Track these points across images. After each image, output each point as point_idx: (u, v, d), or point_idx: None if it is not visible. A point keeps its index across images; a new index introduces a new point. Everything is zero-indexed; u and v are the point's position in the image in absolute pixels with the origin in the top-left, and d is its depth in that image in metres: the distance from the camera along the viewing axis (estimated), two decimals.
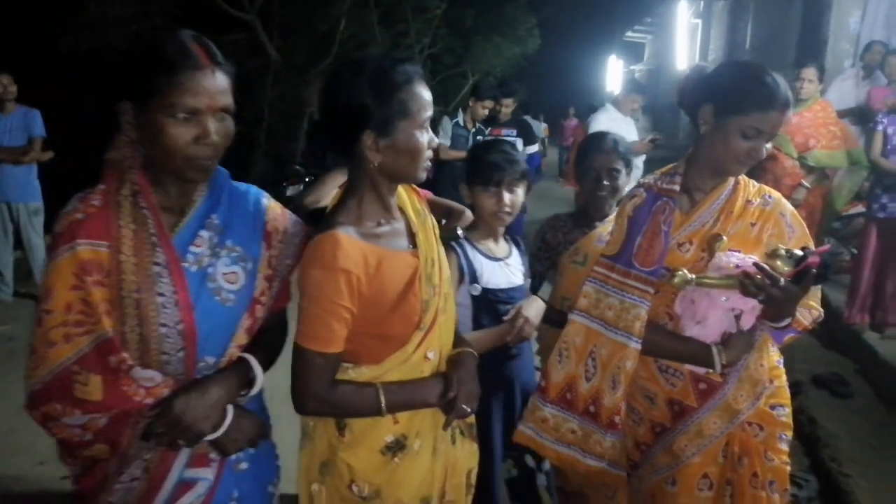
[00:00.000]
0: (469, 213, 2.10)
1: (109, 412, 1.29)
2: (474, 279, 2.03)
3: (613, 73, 23.13)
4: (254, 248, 1.45)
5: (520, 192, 2.10)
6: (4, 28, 8.10)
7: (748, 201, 1.74)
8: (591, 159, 2.37)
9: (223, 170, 1.46)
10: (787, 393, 1.84)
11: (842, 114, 5.05)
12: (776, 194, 1.78)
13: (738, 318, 1.70)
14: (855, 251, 4.80)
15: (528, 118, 11.89)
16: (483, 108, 5.58)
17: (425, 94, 1.42)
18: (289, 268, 1.51)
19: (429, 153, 1.45)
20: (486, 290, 2.05)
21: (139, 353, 1.31)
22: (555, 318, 2.28)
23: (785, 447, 1.80)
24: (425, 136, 1.43)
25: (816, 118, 4.60)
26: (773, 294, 1.56)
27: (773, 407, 1.79)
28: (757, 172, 4.60)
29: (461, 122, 5.71)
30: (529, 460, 2.21)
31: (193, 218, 1.39)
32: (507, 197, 2.06)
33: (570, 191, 7.90)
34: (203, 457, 1.41)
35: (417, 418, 1.51)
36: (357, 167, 1.46)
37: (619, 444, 1.83)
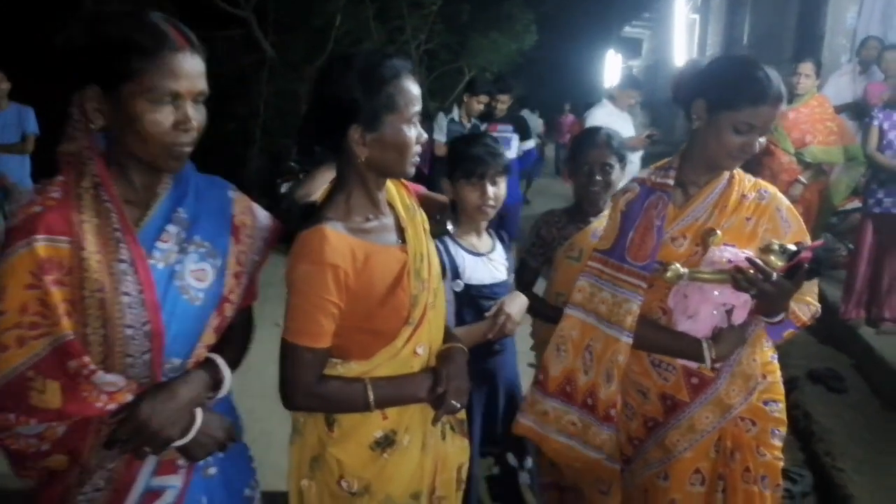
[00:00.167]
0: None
1: (68, 420, 1.22)
2: (456, 275, 2.02)
3: (611, 69, 23.10)
4: (222, 243, 1.38)
5: (503, 185, 2.09)
6: (3, 27, 8.08)
7: (743, 196, 1.74)
8: (584, 154, 2.37)
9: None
10: (780, 388, 1.83)
11: (839, 109, 5.05)
12: (772, 189, 1.78)
13: (729, 312, 1.69)
14: (851, 247, 4.80)
15: (526, 111, 11.94)
16: (478, 104, 5.57)
17: (413, 89, 1.41)
18: (256, 264, 1.46)
19: (417, 148, 1.44)
20: (468, 286, 2.04)
21: (102, 356, 1.23)
22: (549, 314, 2.29)
23: (778, 443, 1.80)
24: (413, 131, 1.42)
25: (813, 114, 4.60)
26: (764, 289, 1.56)
27: (765, 402, 1.79)
28: (753, 168, 4.59)
29: (457, 118, 5.70)
30: (511, 458, 2.20)
31: (159, 212, 1.31)
32: (490, 190, 2.05)
33: (570, 187, 7.89)
34: (170, 464, 1.34)
35: (407, 414, 1.51)
36: (345, 162, 1.45)
37: (613, 437, 1.84)
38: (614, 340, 1.75)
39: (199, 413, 1.31)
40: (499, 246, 2.18)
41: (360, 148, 1.40)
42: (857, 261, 4.41)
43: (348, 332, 1.44)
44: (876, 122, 4.29)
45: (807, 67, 4.66)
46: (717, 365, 1.73)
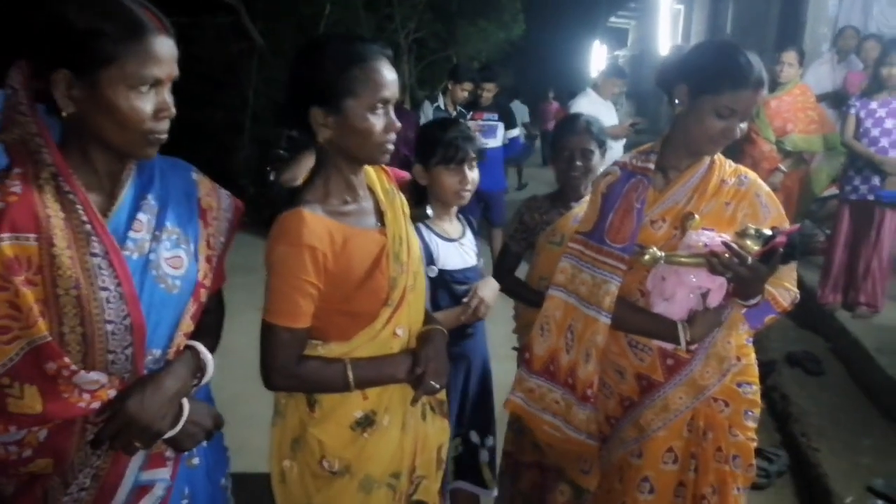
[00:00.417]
0: None
1: (50, 424, 1.16)
2: (430, 261, 2.03)
3: (597, 59, 23.10)
4: (192, 227, 1.34)
5: (476, 169, 2.10)
6: None
7: (723, 181, 1.76)
8: (564, 140, 2.40)
9: None
10: (754, 371, 1.87)
11: (819, 98, 5.09)
12: (752, 175, 1.80)
13: (705, 296, 1.72)
14: (828, 233, 4.88)
15: (517, 102, 11.94)
16: (462, 91, 5.56)
17: (381, 75, 1.39)
18: (223, 246, 1.42)
19: (389, 136, 1.43)
20: (442, 272, 2.05)
21: (81, 354, 1.18)
22: (531, 298, 2.34)
23: (751, 424, 1.84)
24: (378, 119, 1.40)
25: (795, 102, 4.64)
26: (740, 272, 1.58)
27: (739, 384, 1.82)
28: (735, 156, 4.61)
29: (442, 106, 5.69)
30: (474, 436, 2.23)
31: (126, 200, 1.25)
32: (469, 175, 2.06)
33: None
34: (159, 457, 1.31)
35: (386, 394, 1.53)
36: (322, 146, 1.46)
37: (591, 417, 1.87)
38: (593, 321, 1.79)
39: (185, 403, 1.29)
40: (468, 231, 2.19)
41: (322, 129, 1.41)
42: (834, 247, 4.47)
43: (328, 314, 1.45)
44: (853, 111, 4.34)
45: (790, 56, 4.69)
46: (692, 347, 1.76)
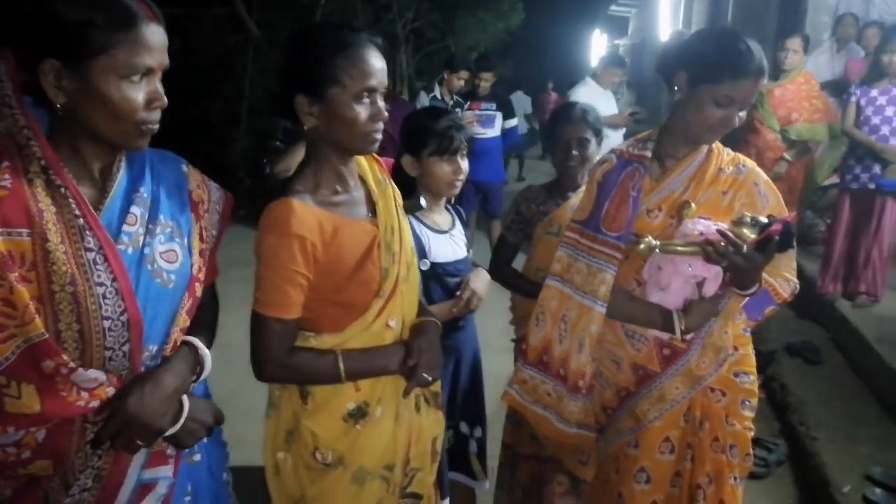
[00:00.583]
0: None
1: (48, 424, 1.15)
2: (423, 254, 2.00)
3: (598, 48, 23.02)
4: (185, 221, 1.32)
5: (466, 158, 2.08)
6: None
7: (720, 169, 1.75)
8: (560, 130, 2.38)
9: None
10: (752, 360, 1.86)
11: (820, 87, 5.07)
12: (750, 163, 1.78)
13: (700, 285, 1.71)
14: (829, 222, 4.86)
15: (520, 93, 11.90)
16: (458, 80, 5.54)
17: (367, 63, 1.37)
18: (215, 239, 1.41)
19: (373, 125, 1.41)
20: (433, 265, 2.03)
21: (78, 352, 1.16)
22: (528, 289, 2.33)
23: (748, 413, 1.83)
24: (364, 108, 1.38)
25: (800, 91, 4.58)
26: (735, 261, 1.57)
27: (736, 374, 1.82)
28: (739, 145, 4.62)
29: (438, 96, 5.67)
30: (464, 427, 2.23)
31: (118, 193, 1.23)
32: (462, 164, 2.04)
33: None
34: (160, 454, 1.30)
35: (379, 386, 1.52)
36: (312, 137, 1.45)
37: (583, 408, 1.87)
38: (588, 310, 1.78)
39: (185, 400, 1.28)
40: (458, 222, 2.17)
41: (307, 118, 1.40)
42: (835, 236, 4.46)
43: (319, 305, 1.44)
44: (853, 99, 4.32)
45: (795, 43, 4.60)
46: (688, 336, 1.75)
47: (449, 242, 2.09)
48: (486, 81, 5.63)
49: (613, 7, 23.98)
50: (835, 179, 4.97)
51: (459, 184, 2.06)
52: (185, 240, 1.31)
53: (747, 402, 1.83)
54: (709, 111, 1.63)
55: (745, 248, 1.57)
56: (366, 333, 1.49)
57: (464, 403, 2.20)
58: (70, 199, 1.14)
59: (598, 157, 2.22)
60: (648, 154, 1.77)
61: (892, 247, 4.34)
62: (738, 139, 4.64)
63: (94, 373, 1.16)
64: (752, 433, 1.86)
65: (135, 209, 1.23)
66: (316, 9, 9.50)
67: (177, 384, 1.26)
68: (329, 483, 1.51)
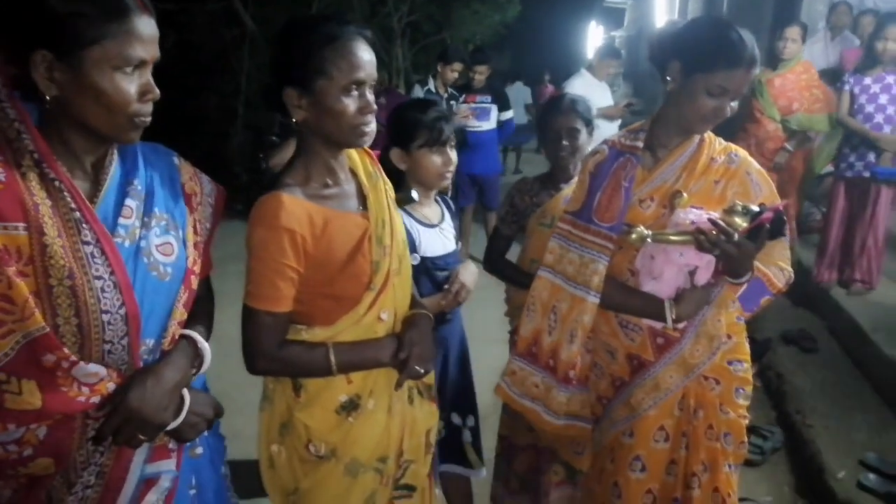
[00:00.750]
0: None
1: (49, 420, 1.14)
2: (413, 249, 1.98)
3: (594, 40, 22.94)
4: (179, 213, 1.32)
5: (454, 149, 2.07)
6: None
7: (712, 159, 1.75)
8: (550, 121, 2.38)
9: None
10: (746, 349, 1.86)
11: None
12: (742, 153, 1.79)
13: (693, 274, 1.72)
14: (825, 210, 4.86)
15: (519, 84, 11.88)
16: (452, 72, 5.52)
17: (355, 56, 1.37)
18: (208, 232, 1.40)
19: (365, 118, 1.41)
20: (423, 259, 2.02)
21: (77, 346, 1.15)
22: (522, 281, 2.33)
23: (742, 401, 1.84)
24: (352, 100, 1.38)
25: (800, 80, 4.56)
26: (727, 249, 1.58)
27: (730, 362, 1.82)
28: (739, 135, 4.63)
29: (433, 89, 5.65)
30: (455, 418, 2.23)
31: (112, 186, 1.22)
32: (453, 154, 2.03)
33: None
34: (163, 448, 1.30)
35: (371, 378, 1.53)
36: (302, 130, 1.45)
37: (578, 398, 1.88)
38: (580, 300, 1.79)
39: (186, 393, 1.28)
40: (447, 214, 2.17)
41: (296, 111, 1.40)
42: (830, 224, 4.45)
43: (310, 298, 1.45)
44: (847, 87, 4.31)
45: (794, 31, 4.57)
46: (680, 325, 1.76)
47: (438, 236, 2.09)
48: (481, 74, 5.62)
49: None
50: (830, 168, 4.97)
51: (450, 175, 2.06)
52: (181, 232, 1.31)
53: (741, 390, 1.84)
54: (702, 101, 1.64)
55: (736, 236, 1.57)
56: (357, 326, 1.49)
57: (453, 394, 2.21)
58: (65, 193, 1.13)
59: (590, 148, 2.23)
60: (640, 144, 1.77)
61: (886, 234, 4.34)
62: (736, 129, 4.63)
63: (94, 367, 1.16)
64: (747, 421, 1.87)
65: (130, 202, 1.23)
66: (312, 3, 9.47)
67: (178, 378, 1.26)
68: (322, 475, 1.51)
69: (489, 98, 5.67)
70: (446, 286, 2.02)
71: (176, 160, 1.38)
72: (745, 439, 1.88)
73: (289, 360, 1.46)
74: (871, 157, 4.21)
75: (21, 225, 1.09)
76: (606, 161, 1.80)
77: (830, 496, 2.68)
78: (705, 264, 1.70)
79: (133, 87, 1.14)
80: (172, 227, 1.29)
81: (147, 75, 1.17)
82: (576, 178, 2.27)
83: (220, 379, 1.64)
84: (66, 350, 1.12)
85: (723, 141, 1.81)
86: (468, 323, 2.31)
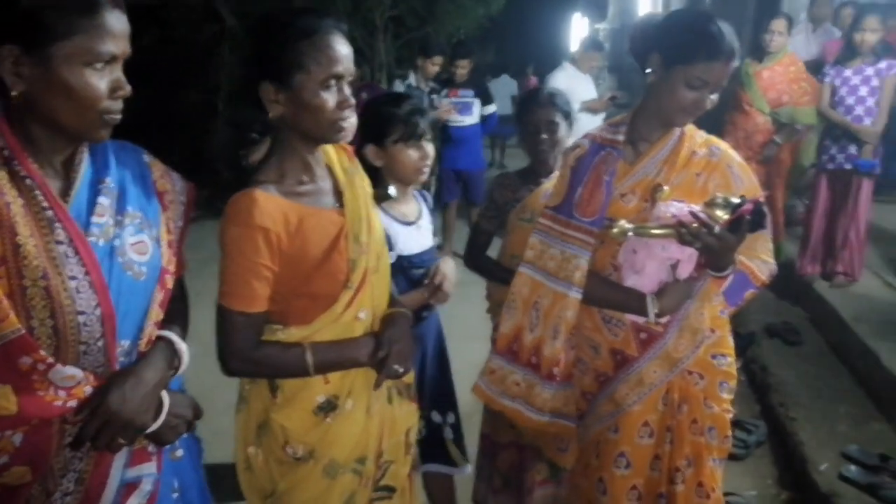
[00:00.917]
0: None
1: (25, 426, 1.11)
2: (389, 247, 1.92)
3: (578, 32, 22.96)
4: (153, 211, 1.30)
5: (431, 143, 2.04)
6: None
7: (693, 152, 1.75)
8: (528, 114, 2.36)
9: None
10: (729, 342, 1.86)
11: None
12: (724, 146, 1.79)
13: (675, 267, 1.71)
14: (807, 203, 4.88)
15: (505, 77, 11.86)
16: (433, 66, 5.49)
17: (333, 49, 1.35)
18: (181, 230, 1.38)
19: (343, 113, 1.38)
20: (399, 257, 1.98)
21: (52, 348, 1.13)
22: (503, 276, 2.31)
23: (726, 395, 1.84)
24: (330, 95, 1.36)
25: (787, 72, 4.56)
26: (708, 242, 1.57)
27: (714, 356, 1.82)
28: (727, 128, 4.64)
29: (414, 83, 5.61)
30: (435, 416, 2.21)
31: (84, 183, 1.20)
32: (429, 149, 2.00)
33: None
34: (143, 452, 1.28)
35: (349, 378, 1.50)
36: (279, 126, 1.43)
37: (562, 394, 1.86)
38: (562, 296, 1.77)
39: (165, 395, 1.26)
40: (424, 210, 2.13)
41: (273, 106, 1.37)
42: (813, 217, 4.47)
43: (286, 297, 1.42)
44: (827, 79, 4.32)
45: (779, 24, 4.57)
46: (662, 319, 1.75)
47: (416, 234, 2.06)
48: (463, 69, 5.59)
49: None
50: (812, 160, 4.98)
51: (427, 169, 2.03)
52: (154, 230, 1.29)
53: (725, 385, 1.84)
54: (682, 93, 1.63)
55: (717, 228, 1.56)
56: (335, 325, 1.46)
57: (432, 391, 2.18)
58: (36, 191, 1.11)
59: (570, 141, 2.20)
60: (621, 138, 1.77)
61: (868, 227, 4.36)
62: (726, 121, 4.63)
63: (71, 370, 1.13)
64: (731, 415, 1.87)
65: (103, 199, 1.20)
66: None
67: (157, 379, 1.24)
68: (300, 477, 1.49)
69: (472, 92, 5.65)
70: (426, 281, 1.99)
71: (146, 157, 1.35)
72: (730, 433, 1.88)
73: (265, 361, 1.43)
74: (853, 149, 4.22)
75: None
76: (587, 155, 1.79)
77: (813, 488, 2.69)
78: (687, 258, 1.69)
79: (103, 83, 1.12)
80: (146, 225, 1.27)
81: (118, 71, 1.14)
82: (556, 173, 2.25)
83: (199, 380, 1.61)
84: (42, 352, 1.10)
85: (704, 134, 1.80)
86: (448, 320, 2.29)
